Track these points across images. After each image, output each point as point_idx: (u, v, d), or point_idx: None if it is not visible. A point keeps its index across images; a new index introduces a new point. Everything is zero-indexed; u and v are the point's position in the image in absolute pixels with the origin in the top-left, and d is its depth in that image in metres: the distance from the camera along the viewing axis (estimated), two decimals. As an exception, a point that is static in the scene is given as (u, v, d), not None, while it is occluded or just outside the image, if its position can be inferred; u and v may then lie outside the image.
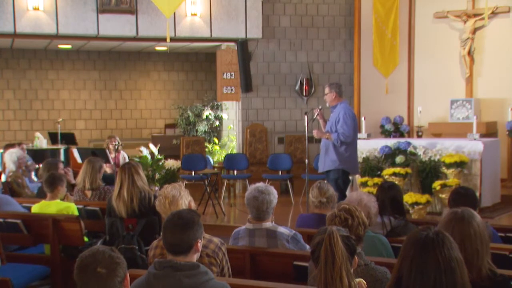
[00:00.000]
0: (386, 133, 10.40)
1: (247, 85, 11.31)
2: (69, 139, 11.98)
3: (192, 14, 10.84)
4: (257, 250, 3.99)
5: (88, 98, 14.97)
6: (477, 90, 10.31)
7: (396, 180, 7.67)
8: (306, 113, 7.46)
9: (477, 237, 2.68)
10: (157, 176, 9.55)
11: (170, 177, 9.48)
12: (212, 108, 12.61)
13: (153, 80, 15.47)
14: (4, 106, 14.31)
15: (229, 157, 10.51)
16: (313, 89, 11.74)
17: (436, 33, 10.66)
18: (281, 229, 4.03)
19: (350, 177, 7.39)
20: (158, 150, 10.19)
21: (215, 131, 12.59)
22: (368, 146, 8.53)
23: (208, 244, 3.51)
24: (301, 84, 11.72)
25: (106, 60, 14.97)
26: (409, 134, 10.44)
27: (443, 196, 7.76)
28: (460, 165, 7.91)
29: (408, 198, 7.69)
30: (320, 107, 7.33)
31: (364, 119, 9.45)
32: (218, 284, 2.78)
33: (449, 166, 7.93)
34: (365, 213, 3.43)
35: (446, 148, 8.15)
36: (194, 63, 15.59)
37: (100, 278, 2.30)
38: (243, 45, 11.20)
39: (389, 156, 8.25)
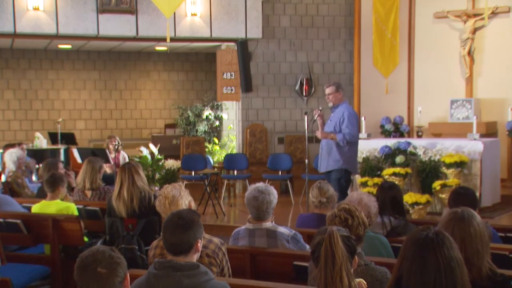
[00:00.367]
0: (386, 133, 10.40)
1: (247, 85, 11.31)
2: (69, 139, 11.98)
3: (192, 14, 10.85)
4: (257, 250, 3.99)
5: (88, 98, 14.97)
6: (477, 90, 10.31)
7: (396, 180, 7.67)
8: (306, 113, 7.44)
9: (477, 237, 2.68)
10: (157, 176, 9.56)
11: (170, 177, 9.49)
12: (212, 108, 12.61)
13: (153, 80, 15.47)
14: (4, 106, 14.31)
15: (229, 157, 10.51)
16: (313, 89, 11.74)
17: (436, 33, 10.66)
18: (281, 229, 4.03)
19: (351, 177, 7.38)
20: (158, 150, 10.20)
21: (215, 131, 12.60)
22: (368, 146, 8.53)
23: (208, 244, 3.51)
24: (301, 84, 11.72)
25: (106, 60, 14.97)
26: (409, 134, 10.43)
27: (443, 196, 7.76)
28: (460, 165, 7.91)
29: (408, 198, 7.69)
30: (320, 108, 7.31)
31: (364, 119, 9.45)
32: (218, 284, 2.78)
33: (449, 166, 7.93)
34: (365, 213, 3.43)
35: (446, 148, 8.15)
36: (194, 63, 15.60)
37: (100, 278, 2.30)
38: (243, 45, 11.20)
39: (389, 156, 8.24)
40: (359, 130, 7.68)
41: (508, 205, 8.51)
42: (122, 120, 15.33)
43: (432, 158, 8.11)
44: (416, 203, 7.72)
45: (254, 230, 4.03)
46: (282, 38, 11.67)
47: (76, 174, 6.70)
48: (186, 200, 3.92)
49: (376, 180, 8.06)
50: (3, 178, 7.60)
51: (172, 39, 10.29)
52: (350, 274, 2.57)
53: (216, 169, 10.65)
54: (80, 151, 9.08)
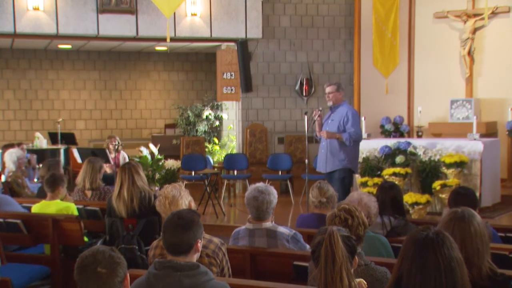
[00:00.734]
0: (386, 133, 10.40)
1: (247, 85, 11.31)
2: (69, 139, 11.98)
3: (192, 14, 10.84)
4: (257, 250, 3.99)
5: (88, 98, 14.97)
6: (477, 90, 10.31)
7: (396, 180, 7.67)
8: (306, 113, 7.43)
9: (477, 237, 2.68)
10: (157, 176, 9.55)
11: (170, 177, 9.48)
12: (212, 108, 12.61)
13: (153, 80, 15.47)
14: (4, 106, 14.31)
15: (229, 157, 10.51)
16: (313, 89, 11.74)
17: (436, 33, 10.66)
18: (281, 229, 4.03)
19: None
20: (158, 150, 10.20)
21: (215, 131, 12.59)
22: (368, 146, 8.52)
23: (208, 244, 3.51)
24: (301, 84, 11.72)
25: (106, 60, 14.97)
26: (409, 134, 10.44)
27: (443, 196, 7.75)
28: (460, 165, 7.91)
29: (408, 198, 7.69)
30: (320, 108, 7.29)
31: (364, 119, 9.44)
32: (218, 284, 2.78)
33: (449, 166, 7.93)
34: (365, 213, 3.42)
35: (446, 148, 8.15)
36: (194, 63, 15.60)
37: (100, 278, 2.30)
38: (243, 45, 11.20)
39: (389, 156, 8.24)
40: (359, 130, 7.69)
41: (508, 205, 8.51)
42: (122, 120, 15.33)
43: (432, 158, 8.11)
44: (416, 203, 7.72)
45: (254, 230, 4.03)
46: (282, 38, 11.67)
47: (76, 174, 6.71)
48: (186, 200, 3.92)
49: (376, 180, 8.06)
50: (3, 178, 7.61)
51: (172, 39, 10.29)
52: (350, 274, 2.57)
53: (216, 169, 10.65)
54: (80, 151, 9.07)
